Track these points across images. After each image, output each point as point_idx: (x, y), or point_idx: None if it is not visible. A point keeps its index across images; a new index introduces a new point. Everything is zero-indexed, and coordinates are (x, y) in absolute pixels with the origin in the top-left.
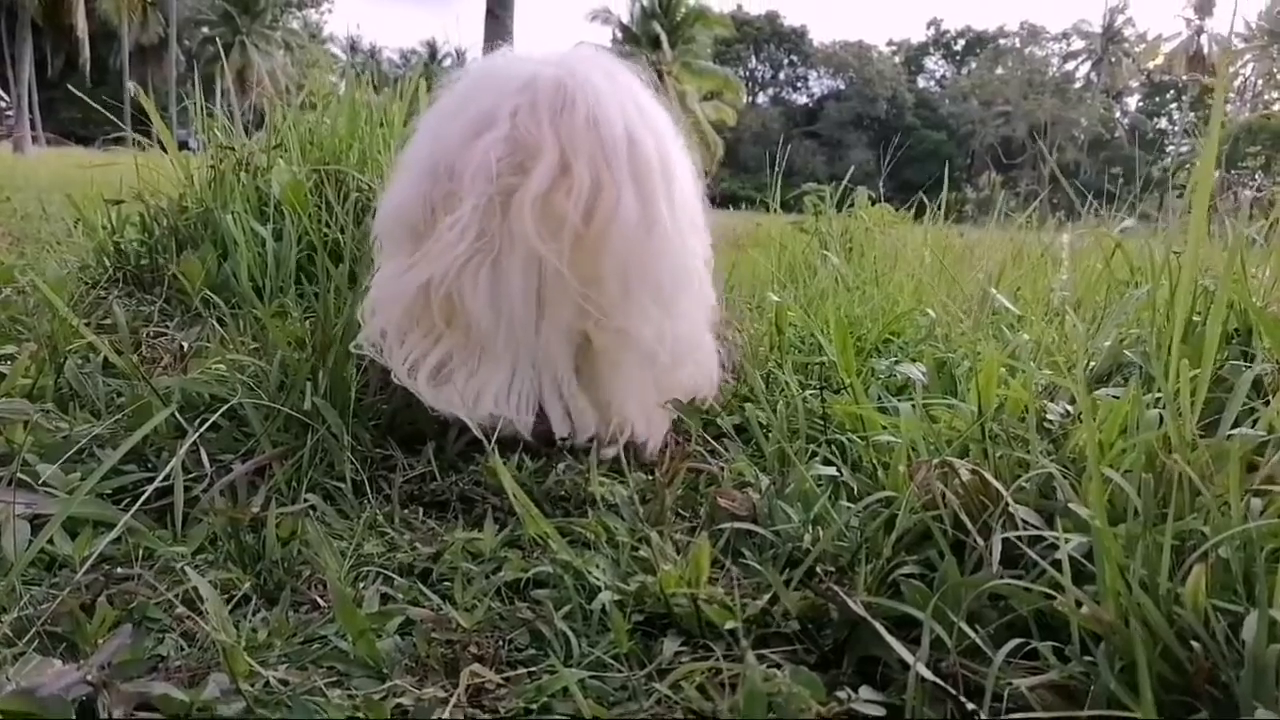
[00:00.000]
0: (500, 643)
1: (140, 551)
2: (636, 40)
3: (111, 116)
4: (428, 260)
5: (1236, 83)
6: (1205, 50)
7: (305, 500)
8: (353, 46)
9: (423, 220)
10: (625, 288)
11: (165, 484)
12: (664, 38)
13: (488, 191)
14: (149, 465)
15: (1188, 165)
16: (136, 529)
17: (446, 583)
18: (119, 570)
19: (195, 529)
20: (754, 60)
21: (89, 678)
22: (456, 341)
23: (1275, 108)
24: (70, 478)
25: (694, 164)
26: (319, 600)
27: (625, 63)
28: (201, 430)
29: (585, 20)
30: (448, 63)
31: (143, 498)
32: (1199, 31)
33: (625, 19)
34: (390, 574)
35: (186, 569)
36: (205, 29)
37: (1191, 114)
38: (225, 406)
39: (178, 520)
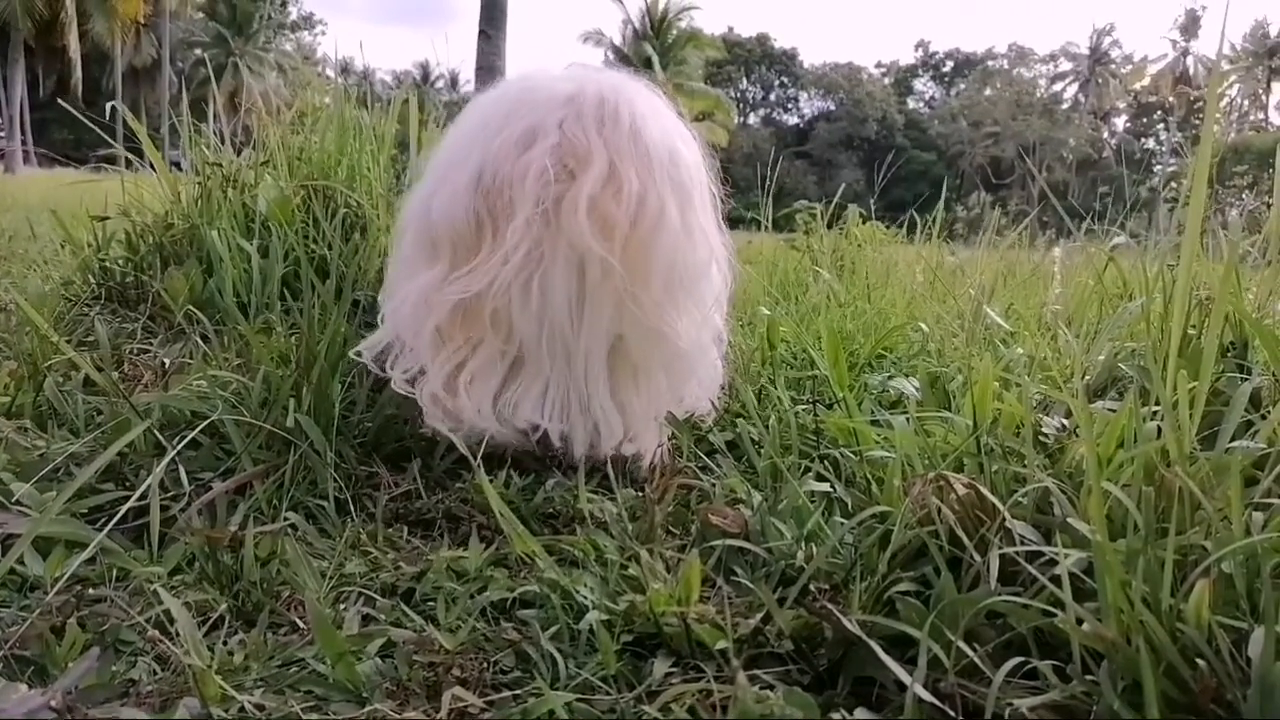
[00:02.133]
0: (485, 665)
1: (114, 572)
2: (628, 62)
3: (105, 136)
4: (476, 275)
5: (1223, 103)
6: (1191, 71)
7: (286, 519)
8: (345, 68)
9: (470, 233)
10: (668, 289)
11: (142, 503)
12: (655, 59)
13: (541, 200)
14: (127, 484)
15: (1174, 183)
16: (111, 549)
17: (430, 603)
18: (91, 591)
19: (172, 549)
20: (745, 81)
21: (53, 703)
22: (490, 354)
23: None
24: (45, 496)
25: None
26: (298, 622)
27: (648, 82)
28: (180, 447)
29: (577, 41)
30: (440, 84)
31: (117, 517)
32: (1184, 53)
33: (617, 40)
34: (372, 594)
35: (159, 590)
36: (198, 51)
37: (1178, 134)
38: (205, 423)
39: (154, 540)
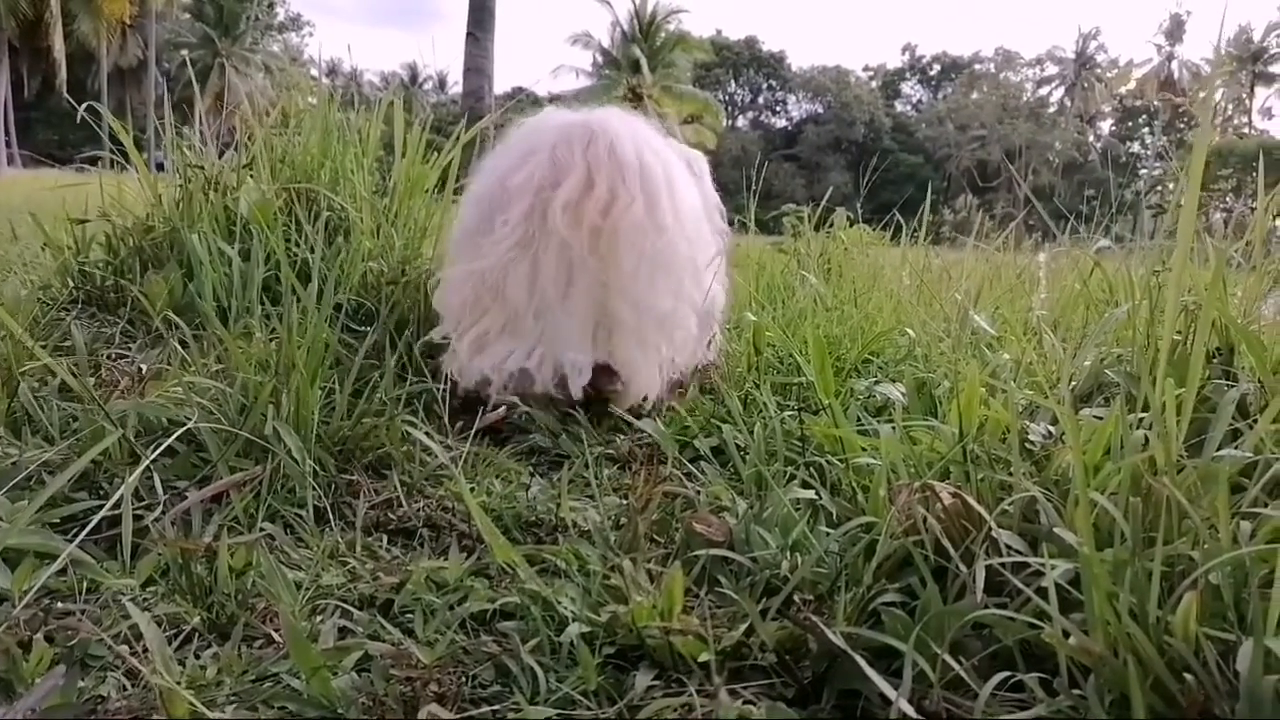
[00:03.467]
0: (463, 679)
1: (84, 584)
2: (617, 64)
3: (100, 133)
4: (483, 255)
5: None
6: (1175, 76)
7: (262, 529)
8: (332, 69)
9: (483, 229)
10: (636, 268)
11: (115, 512)
12: (644, 62)
13: (531, 202)
14: (101, 493)
15: (1159, 187)
16: (82, 560)
17: (409, 615)
18: (60, 605)
19: (144, 560)
20: (733, 84)
21: None
22: (495, 319)
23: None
24: (15, 506)
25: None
26: (273, 635)
27: (640, 116)
28: (155, 455)
29: (566, 43)
30: (428, 86)
31: (88, 527)
32: (1169, 57)
33: (605, 43)
34: (349, 606)
35: (128, 604)
36: (185, 51)
37: (1163, 137)
38: (181, 430)
39: (126, 551)
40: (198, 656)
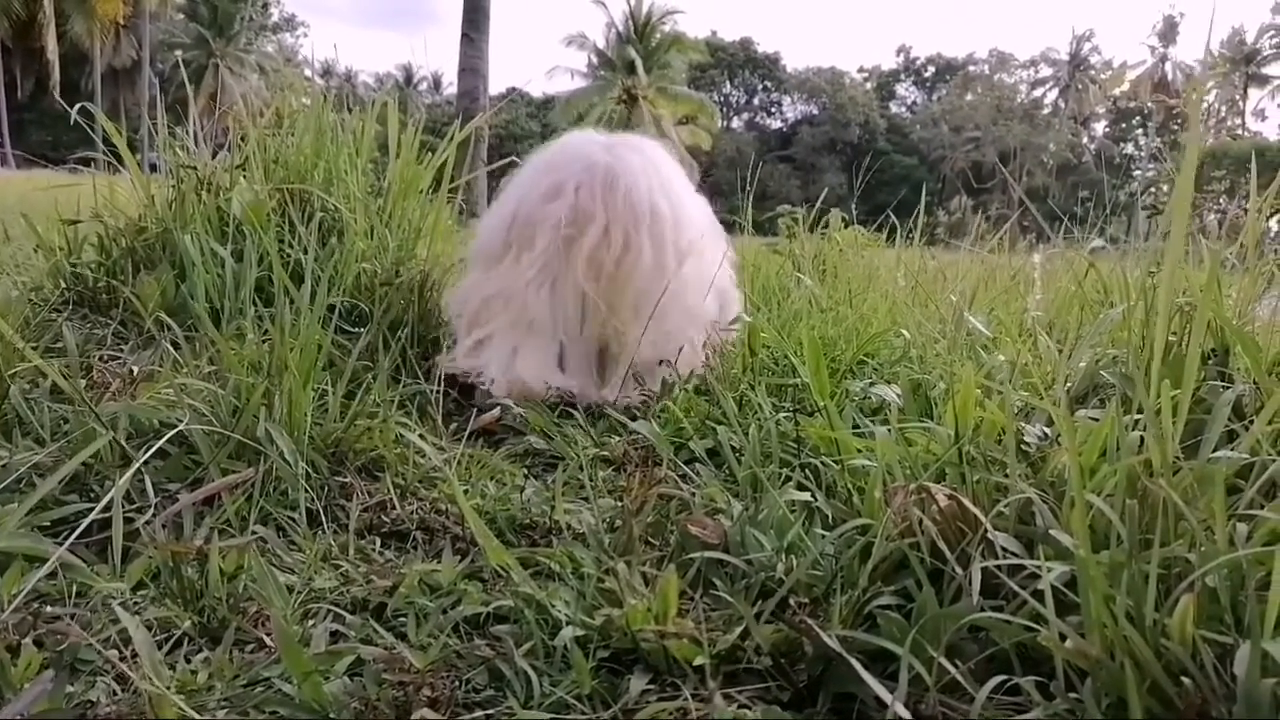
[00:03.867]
0: (456, 683)
1: (74, 588)
2: (612, 65)
3: (92, 136)
4: (500, 278)
5: (1201, 109)
6: (1169, 77)
7: (254, 532)
8: (327, 70)
9: (501, 252)
10: (637, 311)
11: (106, 515)
12: (639, 63)
13: (555, 239)
14: (91, 495)
15: (1152, 188)
16: (72, 564)
17: (402, 618)
18: (50, 609)
19: (135, 563)
20: (728, 85)
21: None
22: (502, 330)
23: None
24: (6, 508)
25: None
26: (265, 639)
27: (654, 140)
28: (146, 457)
29: (561, 44)
30: (423, 86)
31: (79, 530)
32: (1163, 59)
33: (600, 44)
34: (342, 610)
35: (118, 608)
36: (179, 52)
37: (1157, 139)
38: (172, 432)
39: (116, 554)
40: (188, 661)
